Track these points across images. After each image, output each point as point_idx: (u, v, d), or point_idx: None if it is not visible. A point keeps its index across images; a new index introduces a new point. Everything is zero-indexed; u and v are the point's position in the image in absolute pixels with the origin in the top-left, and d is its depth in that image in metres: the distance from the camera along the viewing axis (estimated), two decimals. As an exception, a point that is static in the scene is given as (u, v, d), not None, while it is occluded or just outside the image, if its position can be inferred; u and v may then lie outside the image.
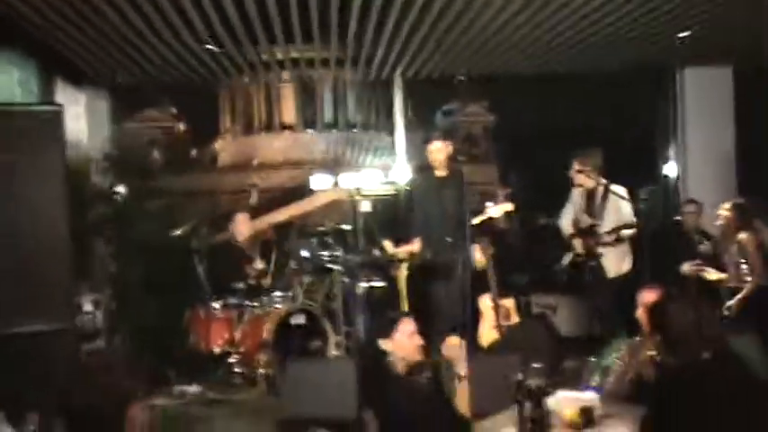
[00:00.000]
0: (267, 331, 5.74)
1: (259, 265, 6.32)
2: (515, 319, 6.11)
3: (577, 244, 5.64)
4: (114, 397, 2.13)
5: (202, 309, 6.00)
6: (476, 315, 6.08)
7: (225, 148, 13.45)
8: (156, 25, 6.78)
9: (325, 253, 6.28)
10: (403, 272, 5.35)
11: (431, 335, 5.23)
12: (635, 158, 8.83)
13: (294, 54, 9.40)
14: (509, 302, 6.13)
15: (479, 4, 6.48)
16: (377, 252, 5.81)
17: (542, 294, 6.80)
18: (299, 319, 5.84)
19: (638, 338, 3.67)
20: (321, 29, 7.83)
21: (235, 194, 9.71)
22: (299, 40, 8.37)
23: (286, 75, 12.02)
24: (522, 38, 7.36)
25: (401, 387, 3.14)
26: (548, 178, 7.06)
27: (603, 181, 5.62)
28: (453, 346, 3.62)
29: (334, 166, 11.27)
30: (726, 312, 5.26)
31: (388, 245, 5.56)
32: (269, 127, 12.92)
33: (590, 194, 5.68)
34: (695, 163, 8.51)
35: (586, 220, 5.65)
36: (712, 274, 5.56)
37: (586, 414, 3.06)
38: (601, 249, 5.54)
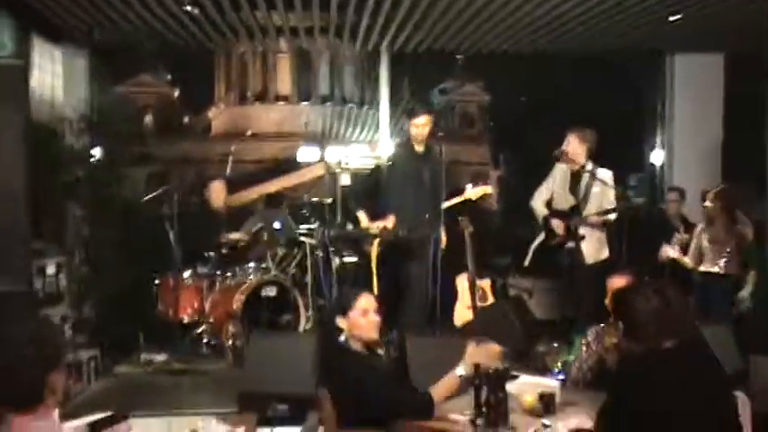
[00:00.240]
0: (237, 302, 5.65)
1: (234, 235, 6.22)
2: (491, 300, 6.06)
3: (557, 225, 5.51)
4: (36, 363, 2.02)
5: (172, 276, 5.90)
6: (452, 294, 6.03)
7: (218, 116, 13.33)
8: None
9: (299, 225, 6.18)
10: (375, 248, 5.25)
11: (396, 312, 5.22)
12: (622, 144, 8.73)
13: (293, 21, 9.20)
14: (486, 283, 6.08)
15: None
16: (350, 226, 5.72)
17: (519, 277, 6.73)
18: (271, 292, 5.74)
19: (602, 325, 3.60)
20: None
21: (224, 164, 9.66)
22: (299, 8, 8.20)
23: (283, 45, 11.88)
24: (507, 15, 7.19)
25: (357, 365, 3.04)
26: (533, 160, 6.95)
27: (591, 164, 5.51)
28: None
29: (326, 139, 11.17)
30: (741, 305, 5.30)
31: (362, 216, 5.45)
32: (263, 97, 12.82)
33: (575, 175, 5.55)
34: (681, 150, 8.44)
35: (569, 200, 5.52)
36: (687, 261, 5.57)
37: (546, 400, 3.00)
38: (582, 232, 5.44)
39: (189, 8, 7.31)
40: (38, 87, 6.92)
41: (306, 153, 10.26)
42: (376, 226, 5.29)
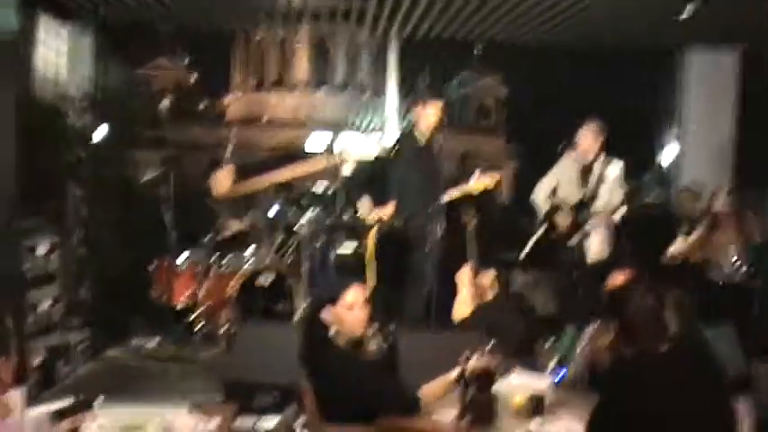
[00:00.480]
0: (232, 289, 5.56)
1: (232, 222, 6.13)
2: (492, 296, 5.93)
3: (561, 220, 5.37)
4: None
5: (167, 261, 5.82)
6: (452, 289, 5.91)
7: (234, 102, 13.23)
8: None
9: (298, 214, 6.06)
10: (372, 239, 5.12)
11: (391, 306, 5.10)
12: (633, 140, 8.55)
13: (313, 4, 9.05)
14: (488, 278, 5.94)
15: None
16: (345, 217, 5.60)
17: (521, 272, 6.59)
18: (266, 280, 5.65)
19: (597, 324, 3.47)
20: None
21: (239, 150, 9.61)
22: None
23: (302, 33, 11.77)
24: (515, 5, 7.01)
25: (338, 360, 2.93)
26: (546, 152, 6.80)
27: (603, 156, 5.37)
28: None
29: (340, 127, 11.05)
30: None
31: (364, 204, 5.29)
32: (280, 84, 12.72)
33: (585, 169, 5.41)
34: (692, 148, 8.26)
35: (576, 194, 5.38)
36: (694, 260, 5.47)
37: (535, 402, 2.89)
38: (588, 228, 5.30)
39: None
40: (42, 65, 6.83)
41: (320, 141, 10.14)
42: (371, 216, 5.16)
